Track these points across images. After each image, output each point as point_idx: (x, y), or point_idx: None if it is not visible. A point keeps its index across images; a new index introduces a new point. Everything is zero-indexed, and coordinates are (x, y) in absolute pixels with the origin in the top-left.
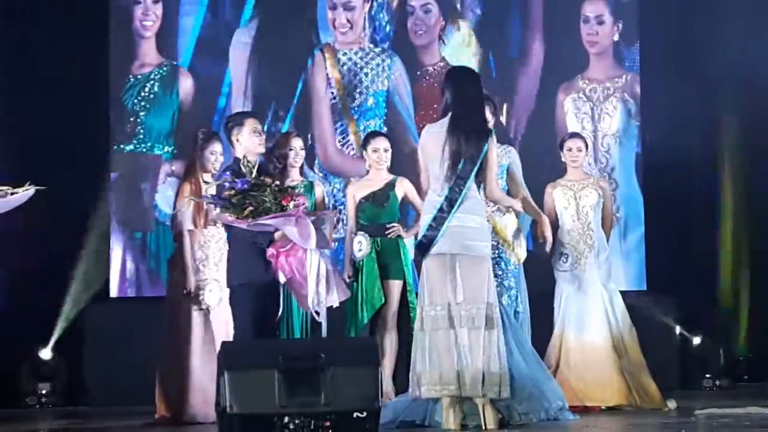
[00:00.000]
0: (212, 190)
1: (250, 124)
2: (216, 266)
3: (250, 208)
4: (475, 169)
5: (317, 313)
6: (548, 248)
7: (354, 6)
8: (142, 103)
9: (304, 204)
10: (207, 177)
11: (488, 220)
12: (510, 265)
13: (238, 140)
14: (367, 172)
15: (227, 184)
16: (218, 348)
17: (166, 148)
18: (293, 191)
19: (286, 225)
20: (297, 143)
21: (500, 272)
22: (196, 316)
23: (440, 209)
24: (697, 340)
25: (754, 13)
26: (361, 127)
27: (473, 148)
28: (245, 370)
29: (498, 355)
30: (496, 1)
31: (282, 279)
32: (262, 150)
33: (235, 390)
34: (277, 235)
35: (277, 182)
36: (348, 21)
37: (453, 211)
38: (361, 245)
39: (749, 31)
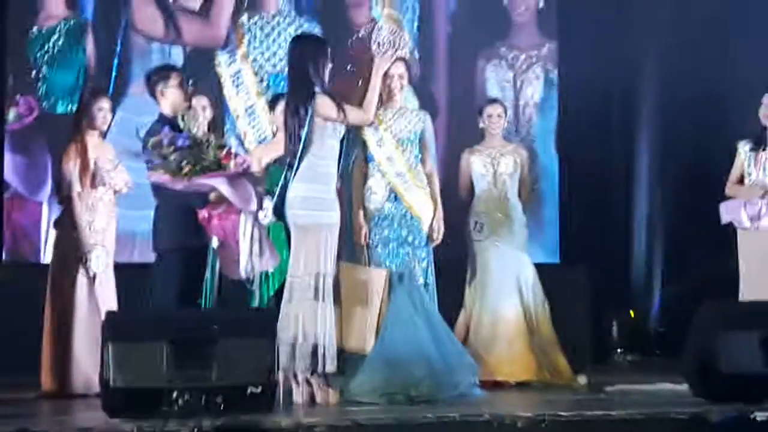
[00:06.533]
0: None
1: (176, 77)
2: (103, 231)
3: (189, 166)
4: (303, 136)
5: (248, 280)
6: (435, 243)
7: None
8: (46, 58)
9: (245, 162)
10: (94, 134)
11: (397, 196)
12: (423, 234)
13: (163, 94)
14: (273, 135)
15: (166, 141)
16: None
17: (70, 106)
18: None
19: (225, 185)
20: (201, 102)
21: (411, 241)
22: (81, 283)
23: (284, 177)
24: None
25: None
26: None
27: (299, 117)
28: (131, 341)
29: (325, 328)
30: None
31: (215, 243)
32: (188, 105)
33: (119, 362)
34: (212, 196)
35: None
36: None
37: (291, 180)
38: (267, 211)
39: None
